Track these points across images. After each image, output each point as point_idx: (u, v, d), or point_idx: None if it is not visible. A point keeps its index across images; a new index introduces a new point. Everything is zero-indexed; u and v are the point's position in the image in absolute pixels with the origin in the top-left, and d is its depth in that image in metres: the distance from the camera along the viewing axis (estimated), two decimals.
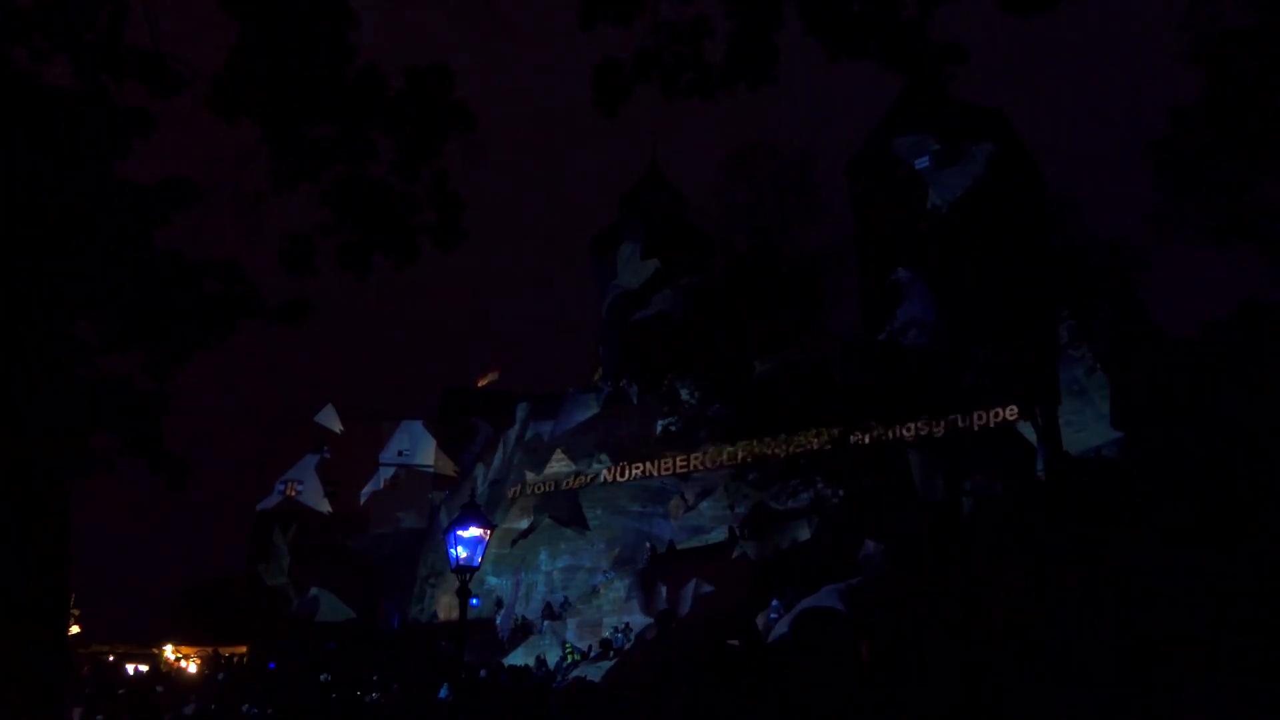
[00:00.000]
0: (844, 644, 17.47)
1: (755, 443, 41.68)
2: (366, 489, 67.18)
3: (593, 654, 35.74)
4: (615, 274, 60.47)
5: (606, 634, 37.87)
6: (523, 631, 43.43)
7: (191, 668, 45.52)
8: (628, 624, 37.88)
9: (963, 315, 34.15)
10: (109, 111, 6.19)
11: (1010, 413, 35.50)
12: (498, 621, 45.82)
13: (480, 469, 57.10)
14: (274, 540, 63.18)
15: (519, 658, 38.76)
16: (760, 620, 28.60)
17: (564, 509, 48.70)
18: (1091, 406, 35.36)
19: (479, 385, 68.60)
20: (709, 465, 45.20)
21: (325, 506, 66.29)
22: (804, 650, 18.02)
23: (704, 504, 45.22)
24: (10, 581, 5.41)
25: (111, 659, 43.09)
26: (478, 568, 12.01)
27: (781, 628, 24.96)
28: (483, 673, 23.19)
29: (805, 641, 19.19)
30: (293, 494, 66.42)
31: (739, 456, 42.65)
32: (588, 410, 51.89)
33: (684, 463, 46.25)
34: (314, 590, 59.49)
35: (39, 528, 5.66)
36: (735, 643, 22.46)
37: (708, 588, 36.93)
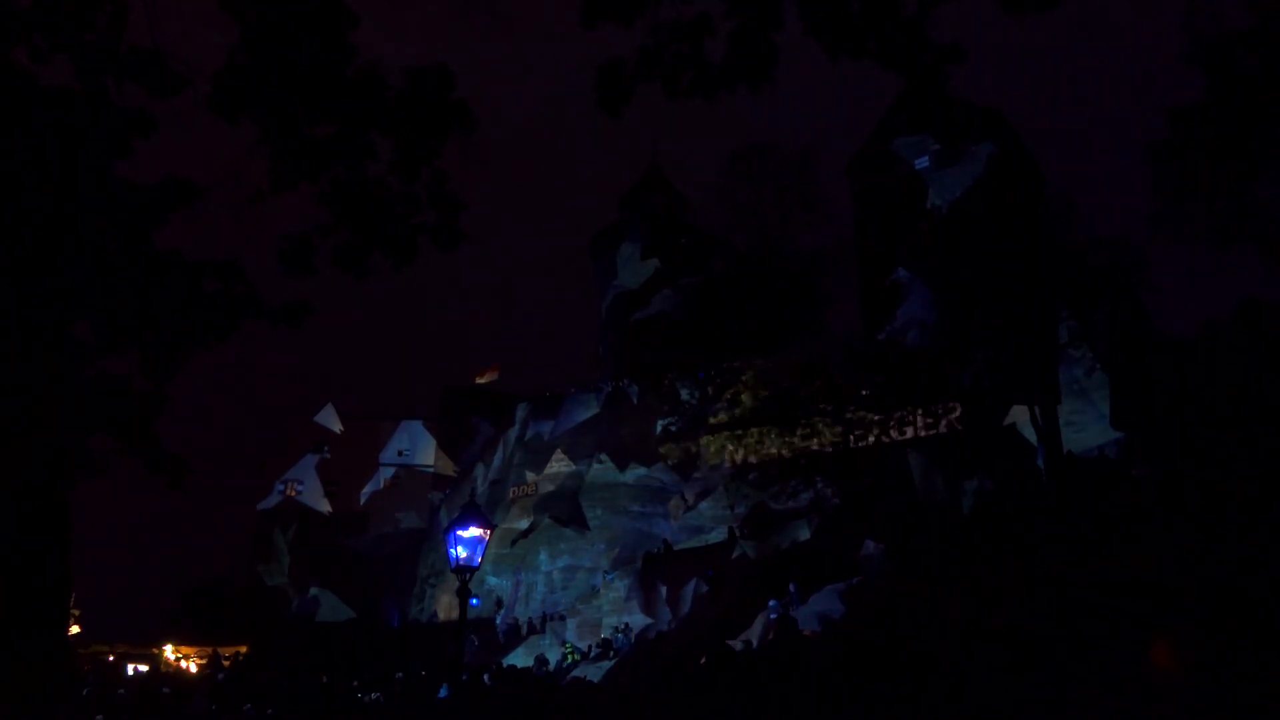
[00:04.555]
0: (843, 644, 17.47)
1: (755, 443, 41.70)
2: (366, 489, 67.26)
3: (593, 654, 35.71)
4: (615, 274, 60.52)
5: (606, 634, 37.86)
6: (523, 632, 43.45)
7: (192, 668, 45.45)
8: (628, 624, 37.88)
9: (963, 315, 34.17)
10: (109, 111, 6.19)
11: (1010, 413, 35.52)
12: (498, 621, 45.84)
13: (480, 469, 57.11)
14: (274, 540, 63.23)
15: (519, 658, 38.74)
16: (760, 620, 28.57)
17: (564, 509, 48.74)
18: (1091, 406, 35.39)
19: (479, 385, 68.65)
20: (709, 465, 45.22)
21: (325, 506, 66.36)
22: (804, 650, 18.03)
23: (704, 504, 45.27)
24: (10, 582, 5.41)
25: (111, 659, 43.01)
26: (478, 568, 12.01)
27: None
28: (486, 676, 23.19)
29: (804, 642, 19.20)
30: (293, 494, 66.47)
31: (739, 457, 42.65)
32: (588, 410, 51.91)
33: (684, 463, 46.30)
34: (314, 590, 59.49)
35: (39, 528, 5.66)
36: (738, 644, 22.48)
37: (707, 587, 36.91)
